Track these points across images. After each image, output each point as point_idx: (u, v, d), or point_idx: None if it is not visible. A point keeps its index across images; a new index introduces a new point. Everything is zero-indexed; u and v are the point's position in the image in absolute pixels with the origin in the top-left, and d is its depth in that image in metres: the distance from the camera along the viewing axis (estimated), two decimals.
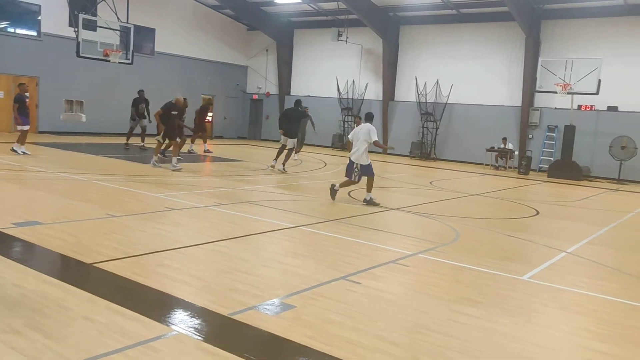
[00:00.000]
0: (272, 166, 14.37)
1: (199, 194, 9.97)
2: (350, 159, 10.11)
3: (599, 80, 17.95)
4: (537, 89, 19.57)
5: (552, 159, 20.73)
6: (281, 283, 5.17)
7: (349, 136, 10.40)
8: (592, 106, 20.02)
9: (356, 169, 9.96)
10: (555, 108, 21.14)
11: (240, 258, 5.93)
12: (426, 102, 23.44)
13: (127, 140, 17.76)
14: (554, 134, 21.21)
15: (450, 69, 23.33)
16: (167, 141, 13.68)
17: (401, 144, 24.33)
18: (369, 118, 10.34)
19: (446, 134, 23.67)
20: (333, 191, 10.14)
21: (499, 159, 21.57)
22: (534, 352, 3.98)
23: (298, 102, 15.63)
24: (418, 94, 23.63)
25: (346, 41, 24.76)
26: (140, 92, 17.44)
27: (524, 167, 19.92)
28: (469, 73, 23.00)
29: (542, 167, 20.97)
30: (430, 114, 23.46)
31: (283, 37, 28.17)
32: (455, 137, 23.52)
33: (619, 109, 19.90)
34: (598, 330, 4.54)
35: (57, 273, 5.21)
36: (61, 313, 4.04)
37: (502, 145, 21.37)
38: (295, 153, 17.54)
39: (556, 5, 20.65)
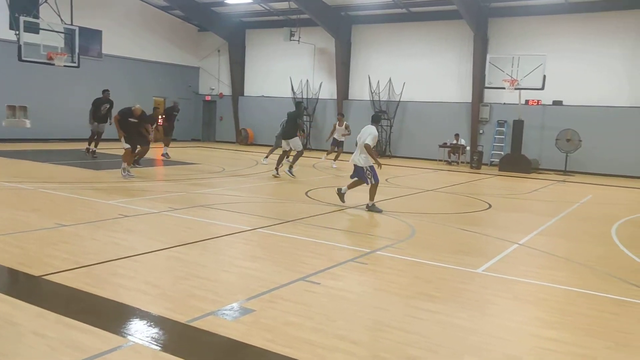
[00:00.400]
0: (275, 175, 13.81)
1: (153, 200, 9.76)
2: (355, 165, 9.65)
3: (544, 76, 18.59)
4: (486, 85, 20.12)
5: (502, 153, 21.32)
6: (240, 287, 5.11)
7: (358, 139, 9.87)
8: (538, 101, 20.71)
9: (368, 172, 9.48)
10: (504, 103, 21.75)
11: (197, 263, 5.84)
12: (380, 101, 23.72)
13: (89, 144, 16.64)
14: (503, 129, 21.82)
15: (402, 67, 23.67)
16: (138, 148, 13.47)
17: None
18: (375, 120, 9.90)
19: (400, 131, 24.00)
20: (340, 195, 9.85)
21: (451, 154, 22.02)
22: (490, 344, 4.07)
23: (298, 104, 15.31)
24: (372, 93, 23.89)
25: (299, 41, 24.76)
26: (105, 92, 16.34)
27: (476, 161, 20.42)
28: (420, 71, 23.39)
29: (493, 161, 21.55)
30: (384, 112, 23.73)
31: (235, 38, 27.91)
32: (409, 134, 23.88)
33: (564, 103, 20.66)
34: (549, 318, 4.69)
35: (3, 287, 5.00)
36: (10, 329, 3.87)
37: (454, 141, 21.83)
38: (266, 158, 17.65)
39: (502, 4, 21.24)
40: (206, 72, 29.82)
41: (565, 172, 19.57)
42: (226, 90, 29.06)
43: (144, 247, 6.34)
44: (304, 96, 25.82)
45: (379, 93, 23.73)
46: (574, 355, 3.92)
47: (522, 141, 19.69)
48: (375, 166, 9.54)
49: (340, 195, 9.87)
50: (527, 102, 20.67)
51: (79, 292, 4.74)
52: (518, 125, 19.77)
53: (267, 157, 17.63)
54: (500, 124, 21.95)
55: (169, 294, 4.83)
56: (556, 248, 7.40)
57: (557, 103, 20.76)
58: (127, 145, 12.25)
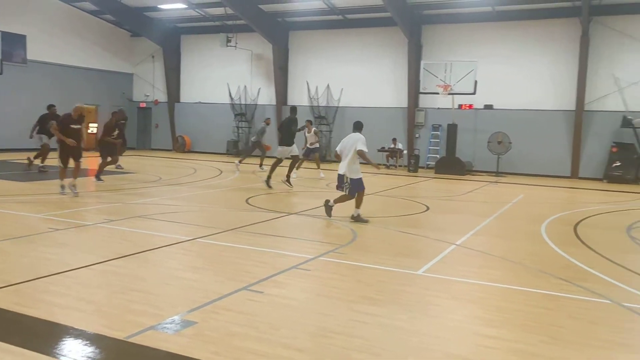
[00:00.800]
0: (269, 186, 13.38)
1: (86, 211, 9.37)
2: (338, 172, 9.30)
3: (476, 81, 19.31)
4: (421, 90, 20.68)
5: (438, 156, 21.95)
6: (180, 299, 4.98)
7: (337, 148, 9.49)
8: (470, 105, 21.48)
9: (346, 183, 9.12)
10: (439, 108, 22.41)
11: (134, 276, 5.64)
12: (319, 106, 23.89)
13: (37, 158, 15.41)
14: (438, 132, 22.47)
15: (340, 72, 23.95)
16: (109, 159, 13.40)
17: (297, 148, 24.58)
18: (357, 127, 9.48)
19: (340, 136, 24.11)
20: (328, 207, 9.41)
21: (389, 158, 22.46)
22: (432, 344, 4.16)
23: (293, 109, 14.50)
24: (310, 98, 24.02)
25: (236, 47, 24.57)
26: (52, 107, 15.32)
27: (413, 165, 20.91)
28: (358, 76, 23.74)
29: (429, 164, 22.14)
30: (323, 117, 23.93)
31: (169, 43, 27.34)
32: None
33: (495, 107, 21.53)
34: (488, 316, 4.85)
35: None
36: None
37: (392, 145, 22.28)
38: (240, 162, 17.78)
39: (434, 11, 21.92)
40: (140, 79, 29.03)
41: (497, 173, 20.38)
42: (162, 96, 28.39)
43: (77, 261, 6.06)
44: (242, 102, 25.63)
45: (317, 98, 23.90)
46: (512, 351, 4.06)
47: (456, 144, 20.38)
48: (375, 168, 9.61)
49: (327, 207, 9.43)
50: (460, 106, 21.38)
51: (7, 312, 4.47)
52: (452, 129, 20.45)
53: (240, 161, 18.07)
54: (435, 128, 22.60)
55: (105, 309, 4.64)
56: (491, 247, 7.67)
57: (488, 107, 21.60)
58: (62, 166, 10.84)
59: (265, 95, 25.70)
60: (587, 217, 10.70)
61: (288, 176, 13.66)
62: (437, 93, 19.94)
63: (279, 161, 13.87)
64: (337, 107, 23.77)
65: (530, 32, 20.88)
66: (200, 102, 27.24)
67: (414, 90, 22.03)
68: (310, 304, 5.00)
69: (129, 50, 28.63)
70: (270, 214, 9.66)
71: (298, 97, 25.18)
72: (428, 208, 11.31)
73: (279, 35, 24.71)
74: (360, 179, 9.26)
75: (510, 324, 4.62)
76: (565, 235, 8.83)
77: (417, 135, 22.98)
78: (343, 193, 9.29)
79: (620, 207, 12.54)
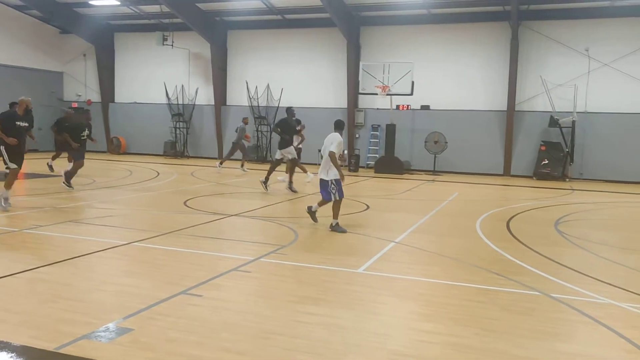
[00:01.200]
0: (266, 188, 13.13)
1: (13, 217, 8.88)
2: (320, 179, 8.70)
3: (412, 82, 19.75)
4: (360, 91, 20.96)
5: (377, 155, 22.29)
6: (115, 306, 4.80)
7: (322, 150, 8.93)
8: (408, 106, 21.94)
9: (332, 187, 8.51)
10: (378, 108, 22.76)
11: (65, 284, 5.39)
12: (259, 106, 23.73)
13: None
14: (377, 133, 22.82)
15: (280, 73, 23.88)
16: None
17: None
18: (337, 126, 8.98)
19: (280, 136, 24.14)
20: (312, 213, 8.88)
21: None
22: (373, 341, 4.21)
23: (289, 110, 14.12)
24: (250, 98, 23.81)
25: (172, 45, 24.02)
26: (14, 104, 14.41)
27: (354, 164, 21.15)
28: (297, 77, 23.76)
29: (369, 163, 22.45)
30: (264, 117, 23.79)
31: (102, 41, 26.36)
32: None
33: (431, 107, 22.09)
34: (425, 311, 4.96)
35: None
36: None
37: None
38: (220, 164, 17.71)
39: (372, 13, 22.25)
40: (71, 78, 27.84)
41: (434, 172, 20.93)
42: (95, 96, 27.35)
43: (1, 270, 5.72)
44: (180, 102, 25.07)
45: (257, 99, 23.73)
46: (448, 344, 4.17)
47: (394, 144, 20.78)
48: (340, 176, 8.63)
49: (312, 214, 8.96)
50: (398, 107, 21.80)
51: None
52: (390, 129, 20.83)
53: (221, 163, 18.35)
54: (375, 128, 22.94)
55: (33, 320, 4.40)
56: (429, 244, 7.86)
57: (424, 107, 22.14)
58: (14, 165, 9.54)
59: (203, 95, 25.26)
60: (518, 213, 11.16)
61: (267, 178, 13.46)
62: (376, 94, 20.26)
63: (278, 163, 13.75)
64: (278, 107, 23.67)
65: (464, 35, 21.58)
66: (135, 102, 26.44)
67: (354, 90, 22.28)
68: (251, 306, 4.94)
69: (58, 48, 27.38)
70: (209, 216, 9.50)
71: (237, 97, 24.92)
72: (368, 207, 11.46)
73: (217, 35, 24.36)
74: (339, 180, 8.57)
75: (446, 318, 4.75)
76: (498, 230, 9.17)
77: (357, 136, 23.25)
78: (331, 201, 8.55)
79: (548, 203, 13.17)
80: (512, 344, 4.16)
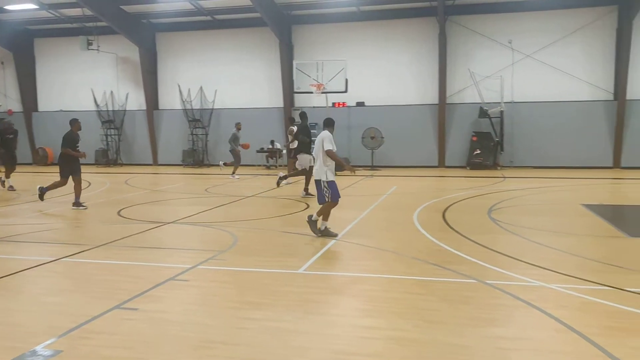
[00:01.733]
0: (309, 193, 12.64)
1: None
2: (314, 179, 8.21)
3: (346, 79, 19.92)
4: (295, 90, 20.93)
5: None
6: (42, 327, 4.52)
7: (314, 152, 8.48)
8: (344, 103, 22.12)
9: (325, 188, 8.02)
10: (314, 107, 22.79)
11: None
12: (192, 109, 23.26)
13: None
14: (315, 131, 22.83)
15: (213, 74, 23.51)
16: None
17: (172, 153, 23.79)
18: (326, 124, 8.46)
19: (216, 139, 23.81)
20: (312, 223, 8.12)
21: (269, 159, 22.48)
22: (315, 341, 4.17)
23: (303, 115, 13.64)
24: (183, 101, 23.31)
25: (98, 50, 23.14)
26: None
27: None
28: (231, 77, 23.46)
29: (278, 166, 22.44)
30: (198, 120, 23.36)
31: (21, 48, 25.05)
32: (226, 142, 23.77)
33: (366, 104, 22.37)
34: (366, 307, 4.98)
35: None
36: None
37: (270, 146, 22.31)
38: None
39: (302, 12, 22.27)
40: None
41: (372, 167, 21.21)
42: (16, 106, 25.95)
43: None
44: (110, 108, 24.21)
45: (190, 101, 23.26)
46: (391, 339, 4.19)
47: None
48: (350, 172, 8.43)
49: (312, 223, 8.13)
50: (334, 104, 21.95)
51: None
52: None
53: (233, 173, 18.06)
54: (312, 126, 22.93)
55: None
56: (368, 239, 7.92)
57: (360, 104, 22.40)
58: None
59: (134, 100, 24.51)
60: (453, 203, 11.47)
61: (306, 189, 12.96)
62: (311, 92, 20.29)
63: (303, 171, 13.07)
64: (212, 109, 23.32)
65: (394, 31, 21.98)
66: (61, 111, 25.27)
67: (289, 89, 22.24)
68: (190, 316, 4.80)
69: None
70: (144, 225, 9.18)
71: (170, 100, 24.33)
72: (308, 206, 11.44)
73: (145, 37, 23.67)
74: (335, 182, 8.15)
75: (386, 313, 4.78)
76: (435, 221, 9.38)
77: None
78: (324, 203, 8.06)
79: (482, 192, 13.61)
80: (451, 333, 4.23)
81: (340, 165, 8.18)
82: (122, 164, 24.25)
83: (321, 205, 8.09)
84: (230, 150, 18.66)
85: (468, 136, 21.34)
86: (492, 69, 21.05)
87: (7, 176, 14.60)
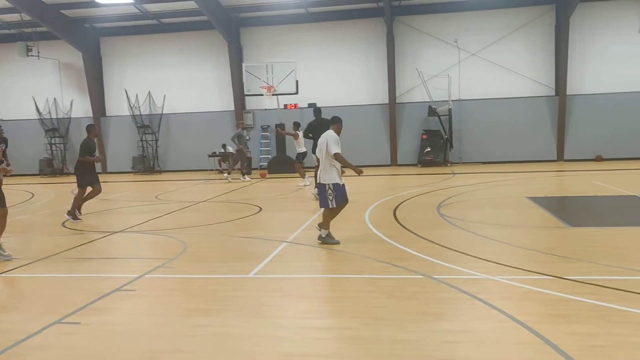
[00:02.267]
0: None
1: None
2: (319, 182, 7.74)
3: (297, 81, 19.94)
4: (246, 92, 20.82)
5: (270, 156, 22.27)
6: None
7: (317, 152, 7.95)
8: (295, 104, 22.15)
9: (329, 192, 7.52)
10: (266, 109, 22.74)
11: None
12: (141, 115, 22.77)
13: None
14: (267, 133, 22.79)
15: (161, 79, 23.10)
16: None
17: (122, 160, 23.23)
18: (332, 122, 7.85)
19: (167, 144, 23.40)
20: (324, 239, 7.64)
21: (222, 162, 22.24)
22: (263, 345, 4.14)
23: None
24: (131, 107, 22.79)
25: (39, 56, 22.33)
26: None
27: (247, 167, 20.93)
28: (180, 82, 23.11)
29: (262, 165, 22.38)
30: (148, 126, 22.89)
31: None
32: (177, 147, 23.42)
33: (318, 104, 22.42)
34: (317, 308, 4.99)
35: None
36: None
37: (222, 150, 22.08)
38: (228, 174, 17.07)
39: (250, 14, 22.15)
40: None
41: None
42: None
43: None
44: (53, 116, 23.43)
45: (139, 107, 22.76)
46: (340, 338, 4.21)
47: (285, 144, 20.87)
48: (357, 173, 7.69)
49: (324, 239, 7.65)
50: (285, 106, 21.93)
51: None
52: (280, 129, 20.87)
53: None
54: (264, 129, 22.91)
55: None
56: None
57: (312, 105, 22.42)
58: None
59: (79, 107, 23.82)
60: (404, 201, 11.65)
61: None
62: (262, 94, 20.22)
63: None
64: (162, 114, 22.89)
65: (343, 32, 22.15)
66: (1, 120, 24.23)
67: (239, 92, 22.08)
68: (136, 327, 4.68)
69: None
70: (90, 236, 8.92)
71: (117, 106, 23.76)
72: (261, 209, 11.38)
73: (89, 42, 23.03)
74: (344, 185, 7.69)
75: (337, 312, 4.81)
76: (386, 219, 9.49)
77: (247, 138, 23.05)
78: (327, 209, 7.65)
79: (432, 188, 13.88)
80: (399, 329, 4.29)
81: (350, 169, 7.66)
82: (68, 174, 23.48)
83: (324, 215, 7.64)
84: (237, 151, 18.34)
85: (418, 134, 21.72)
86: (439, 68, 21.50)
87: None
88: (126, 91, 22.86)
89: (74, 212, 10.60)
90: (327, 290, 5.52)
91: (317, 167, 12.39)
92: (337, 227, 9.07)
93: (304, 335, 4.32)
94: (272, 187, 16.24)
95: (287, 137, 18.57)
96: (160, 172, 22.90)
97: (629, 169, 17.31)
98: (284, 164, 20.42)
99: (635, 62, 20.44)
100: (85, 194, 10.86)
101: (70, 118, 23.60)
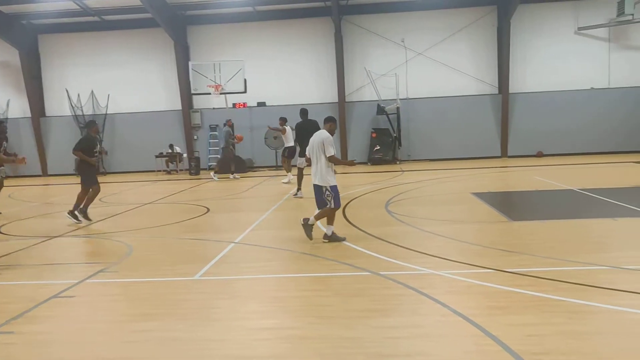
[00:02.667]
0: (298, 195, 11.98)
1: None
2: (313, 183, 7.61)
3: (245, 80, 19.78)
4: (193, 91, 20.47)
5: (219, 156, 21.98)
6: None
7: (307, 151, 7.80)
8: (244, 103, 21.95)
9: (327, 192, 7.44)
10: (214, 108, 22.45)
11: None
12: (83, 115, 22.03)
13: None
14: (216, 133, 22.50)
15: (105, 78, 22.43)
16: None
17: (64, 163, 22.41)
18: (326, 121, 7.73)
19: (112, 145, 22.72)
20: (307, 227, 7.51)
21: (169, 163, 21.81)
22: (209, 348, 4.07)
23: (305, 112, 12.01)
24: (73, 107, 22.01)
25: None
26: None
27: (194, 167, 20.63)
28: (125, 81, 22.50)
29: (211, 165, 22.07)
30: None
31: None
32: (123, 148, 22.79)
33: (267, 104, 22.32)
34: (264, 308, 4.94)
35: None
36: None
37: (169, 150, 21.65)
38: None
39: (197, 12, 21.80)
40: None
41: (277, 167, 21.20)
42: None
43: None
44: None
45: (81, 107, 22.02)
46: (285, 338, 4.18)
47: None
48: (350, 165, 8.06)
49: (307, 227, 7.55)
50: (234, 105, 21.71)
51: None
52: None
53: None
54: (213, 128, 22.61)
55: None
56: (268, 240, 7.88)
57: (261, 104, 22.32)
58: None
59: (17, 107, 22.82)
60: (354, 199, 11.73)
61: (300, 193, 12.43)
62: (209, 93, 19.95)
63: (301, 171, 12.48)
64: (106, 114, 22.22)
65: (291, 31, 22.12)
66: None
67: (186, 91, 21.70)
68: (75, 335, 4.51)
69: None
70: (28, 241, 8.55)
71: (58, 106, 22.90)
72: (209, 210, 11.22)
73: (26, 40, 22.08)
74: (336, 186, 7.59)
75: (283, 312, 4.78)
76: (336, 217, 9.51)
77: (195, 137, 22.72)
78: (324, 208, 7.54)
79: (381, 186, 14.04)
80: (344, 327, 4.30)
81: (346, 165, 8.02)
82: (5, 177, 22.41)
83: (324, 213, 7.52)
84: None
85: (368, 133, 21.96)
86: (387, 67, 21.79)
87: None
88: (67, 91, 22.06)
89: (84, 210, 10.21)
90: (274, 291, 5.48)
91: (300, 169, 12.41)
92: (287, 226, 9.05)
93: (249, 337, 4.28)
94: (220, 188, 16.02)
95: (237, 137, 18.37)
96: (104, 173, 22.22)
97: (567, 164, 18.07)
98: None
99: (572, 62, 21.34)
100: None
101: (6, 118, 22.53)
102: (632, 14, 19.95)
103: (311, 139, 7.61)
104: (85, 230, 9.33)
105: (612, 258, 5.98)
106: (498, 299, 4.78)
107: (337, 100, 21.89)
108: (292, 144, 14.88)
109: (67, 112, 22.30)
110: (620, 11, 20.21)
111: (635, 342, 3.82)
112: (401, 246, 6.99)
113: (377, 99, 21.54)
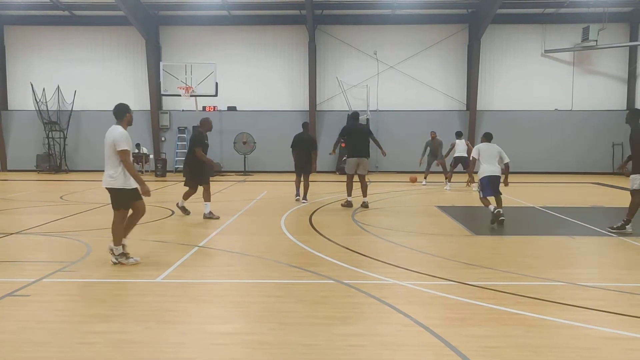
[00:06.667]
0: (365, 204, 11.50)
1: None
2: (493, 175, 9.73)
3: (216, 83, 19.64)
4: (162, 92, 20.22)
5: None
6: None
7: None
8: (214, 107, 21.79)
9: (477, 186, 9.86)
10: (183, 110, 22.21)
11: None
12: (48, 111, 21.47)
13: None
14: (184, 135, 22.24)
15: (72, 74, 21.96)
16: None
17: (25, 158, 21.82)
18: (487, 137, 10.05)
19: (77, 143, 22.22)
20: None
21: (135, 163, 21.41)
22: (166, 352, 3.99)
23: (356, 115, 11.76)
24: (37, 102, 21.44)
25: None
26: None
27: (161, 169, 20.33)
28: (93, 78, 22.08)
29: (178, 167, 21.79)
30: (55, 122, 21.61)
31: None
32: (88, 146, 22.30)
33: (238, 108, 22.21)
34: (223, 313, 4.87)
35: None
36: None
37: (136, 150, 21.28)
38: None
39: (170, 12, 21.59)
40: None
41: (245, 172, 21.08)
42: None
43: None
44: None
45: (46, 102, 21.46)
46: (244, 343, 4.13)
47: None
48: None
49: (497, 216, 9.29)
50: (204, 108, 21.51)
51: None
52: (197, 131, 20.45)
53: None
54: (181, 130, 22.35)
55: None
56: (232, 244, 7.81)
57: (231, 109, 22.19)
58: None
59: None
60: (321, 207, 11.74)
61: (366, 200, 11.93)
62: (179, 95, 19.75)
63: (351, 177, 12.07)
64: (72, 111, 21.72)
65: (265, 37, 22.12)
66: None
67: (156, 92, 21.42)
68: (26, 335, 4.35)
69: None
70: None
71: (21, 100, 22.29)
72: (173, 212, 11.05)
73: None
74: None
75: (243, 317, 4.72)
76: (302, 225, 9.51)
77: (162, 139, 22.41)
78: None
79: None
80: (304, 334, 4.28)
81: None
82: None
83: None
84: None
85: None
86: (359, 78, 21.98)
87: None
88: (32, 84, 21.48)
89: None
90: (235, 296, 5.42)
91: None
92: (252, 231, 8.98)
93: (208, 341, 4.20)
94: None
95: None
96: (67, 171, 21.68)
97: (530, 182, 18.50)
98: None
99: (538, 83, 21.93)
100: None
101: None
102: (596, 40, 20.68)
103: (487, 147, 9.82)
104: (42, 229, 9.06)
105: (569, 274, 6.13)
106: (459, 311, 4.83)
107: (307, 108, 21.92)
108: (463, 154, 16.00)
109: (31, 106, 21.71)
110: (585, 37, 20.91)
111: (589, 356, 3.92)
112: (366, 255, 7.01)
113: (348, 109, 21.66)
